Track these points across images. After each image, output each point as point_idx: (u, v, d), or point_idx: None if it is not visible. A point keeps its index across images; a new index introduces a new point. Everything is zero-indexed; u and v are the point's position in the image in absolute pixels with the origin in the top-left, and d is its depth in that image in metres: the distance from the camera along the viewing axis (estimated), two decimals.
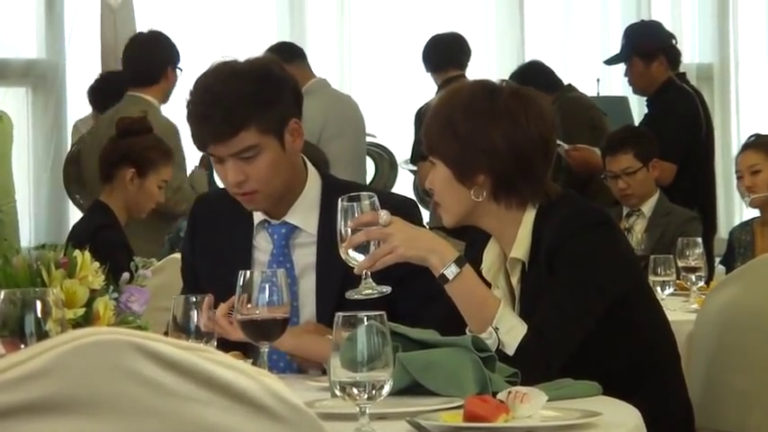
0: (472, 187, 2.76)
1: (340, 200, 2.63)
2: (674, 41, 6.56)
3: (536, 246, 2.75)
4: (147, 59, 5.89)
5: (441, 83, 6.62)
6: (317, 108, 5.92)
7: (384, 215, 2.64)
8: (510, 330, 2.63)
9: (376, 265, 2.62)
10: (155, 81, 5.87)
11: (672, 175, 6.02)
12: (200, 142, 2.94)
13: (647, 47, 6.35)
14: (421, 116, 6.41)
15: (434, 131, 2.79)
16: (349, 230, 2.61)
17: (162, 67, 5.88)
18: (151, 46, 5.96)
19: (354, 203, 2.62)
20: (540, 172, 2.77)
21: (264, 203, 2.98)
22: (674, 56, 6.45)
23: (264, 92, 2.90)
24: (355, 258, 2.62)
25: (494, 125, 2.74)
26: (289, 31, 7.75)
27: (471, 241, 3.00)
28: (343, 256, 2.63)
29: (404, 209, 3.08)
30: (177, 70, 5.94)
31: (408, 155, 6.96)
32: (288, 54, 6.31)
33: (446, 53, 6.78)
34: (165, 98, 5.93)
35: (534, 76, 6.19)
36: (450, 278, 2.67)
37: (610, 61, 6.79)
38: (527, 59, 7.82)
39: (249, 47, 7.44)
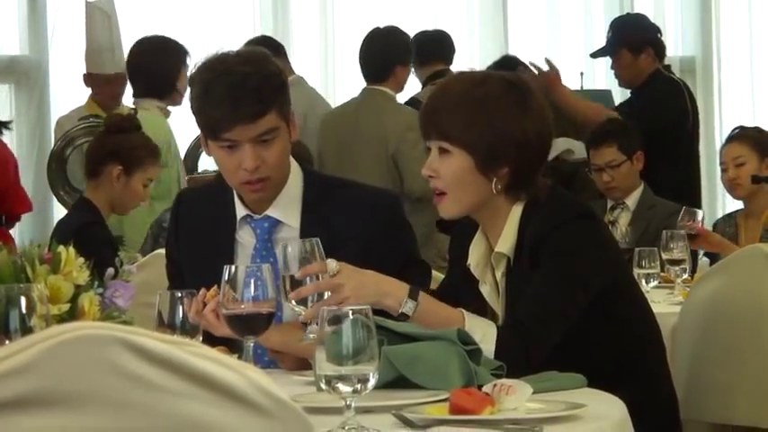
0: (493, 179, 2.75)
1: (282, 246, 2.60)
2: (659, 35, 6.57)
3: (521, 240, 2.75)
4: None
5: (427, 76, 6.62)
6: (298, 104, 5.94)
7: (332, 264, 2.60)
8: (483, 337, 2.60)
9: None
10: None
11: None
12: (221, 125, 2.88)
13: (634, 39, 6.36)
14: None
15: (459, 119, 2.74)
16: (293, 276, 2.56)
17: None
18: None
19: (297, 249, 2.58)
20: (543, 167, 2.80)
21: (271, 191, 2.98)
22: (660, 48, 6.46)
23: (280, 76, 2.94)
24: (301, 307, 2.58)
25: (527, 118, 2.74)
26: (272, 25, 7.74)
27: (454, 236, 3.00)
28: (288, 304, 2.60)
29: (386, 203, 3.08)
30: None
31: None
32: (272, 48, 6.31)
33: (433, 47, 6.79)
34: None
35: (510, 70, 6.17)
36: (411, 314, 2.64)
37: (595, 54, 6.79)
38: (510, 54, 7.83)
39: (233, 43, 7.43)
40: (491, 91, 2.75)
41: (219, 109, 2.87)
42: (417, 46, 6.78)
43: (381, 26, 6.46)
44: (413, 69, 6.78)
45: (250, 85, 2.85)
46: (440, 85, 2.89)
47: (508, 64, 6.55)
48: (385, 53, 6.16)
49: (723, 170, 5.30)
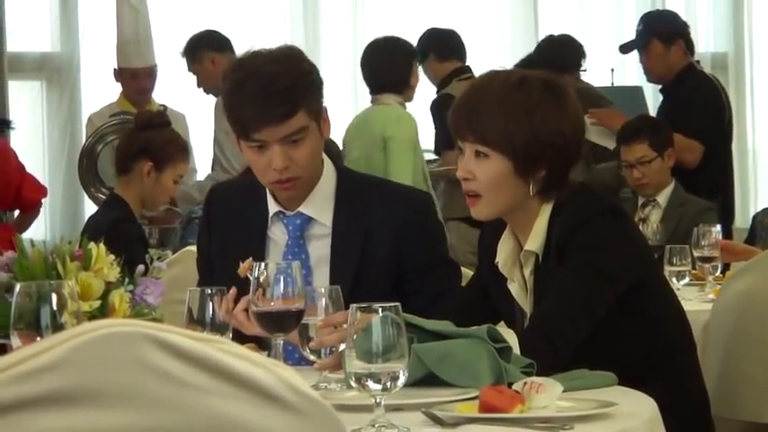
0: (530, 182, 2.73)
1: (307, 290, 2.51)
2: (688, 29, 6.54)
3: (550, 238, 2.74)
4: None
5: (450, 72, 6.61)
6: None
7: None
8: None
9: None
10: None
11: (699, 156, 6.01)
12: (250, 126, 2.88)
13: (666, 30, 6.33)
14: (439, 107, 6.42)
15: (498, 124, 2.70)
16: (313, 322, 2.50)
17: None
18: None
19: (321, 297, 2.52)
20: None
21: (302, 191, 2.98)
22: (690, 43, 6.43)
23: (312, 74, 2.93)
24: (315, 356, 2.51)
25: (564, 120, 2.72)
26: (302, 26, 7.75)
27: (482, 234, 2.99)
28: (301, 349, 2.54)
29: (419, 203, 3.08)
30: None
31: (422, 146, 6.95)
32: (218, 42, 6.34)
33: (450, 44, 6.79)
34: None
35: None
36: None
37: (625, 48, 6.75)
38: None
39: (263, 44, 7.43)
40: (530, 94, 2.72)
41: (249, 109, 2.86)
42: (436, 42, 6.76)
43: (556, 34, 6.74)
44: (420, 65, 6.78)
45: (278, 85, 2.85)
46: (475, 85, 2.84)
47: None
48: (560, 59, 6.37)
49: None
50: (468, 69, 6.57)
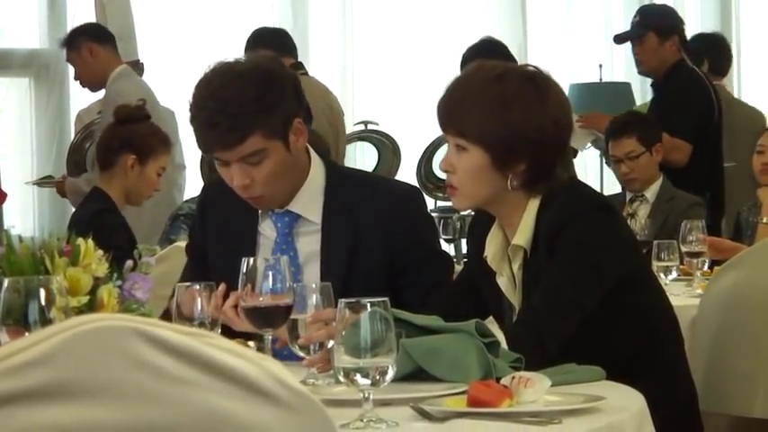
0: (509, 175, 2.73)
1: (298, 287, 2.51)
2: (683, 26, 6.56)
3: (538, 233, 2.75)
4: None
5: None
6: (132, 94, 5.85)
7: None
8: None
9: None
10: None
11: (687, 156, 6.02)
12: (205, 147, 2.93)
13: (663, 24, 6.35)
14: None
15: (475, 117, 2.71)
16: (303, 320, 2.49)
17: None
18: None
19: (311, 293, 2.51)
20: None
21: (271, 204, 2.99)
22: (684, 40, 6.45)
23: (269, 96, 2.87)
24: (303, 351, 2.50)
25: (545, 114, 2.71)
26: (291, 19, 7.74)
27: (472, 225, 3.00)
28: (290, 345, 2.53)
29: (409, 198, 3.08)
30: None
31: (411, 142, 6.96)
32: (99, 34, 6.26)
33: (281, 42, 6.65)
34: None
35: (490, 53, 6.06)
36: None
37: (620, 38, 6.74)
38: (530, 47, 7.82)
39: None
40: (508, 87, 2.72)
41: (200, 133, 2.89)
42: (269, 40, 6.55)
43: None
44: None
45: (228, 112, 2.82)
46: (459, 78, 2.84)
47: (488, 47, 6.45)
48: None
49: (759, 152, 5.25)
50: (302, 66, 6.44)
